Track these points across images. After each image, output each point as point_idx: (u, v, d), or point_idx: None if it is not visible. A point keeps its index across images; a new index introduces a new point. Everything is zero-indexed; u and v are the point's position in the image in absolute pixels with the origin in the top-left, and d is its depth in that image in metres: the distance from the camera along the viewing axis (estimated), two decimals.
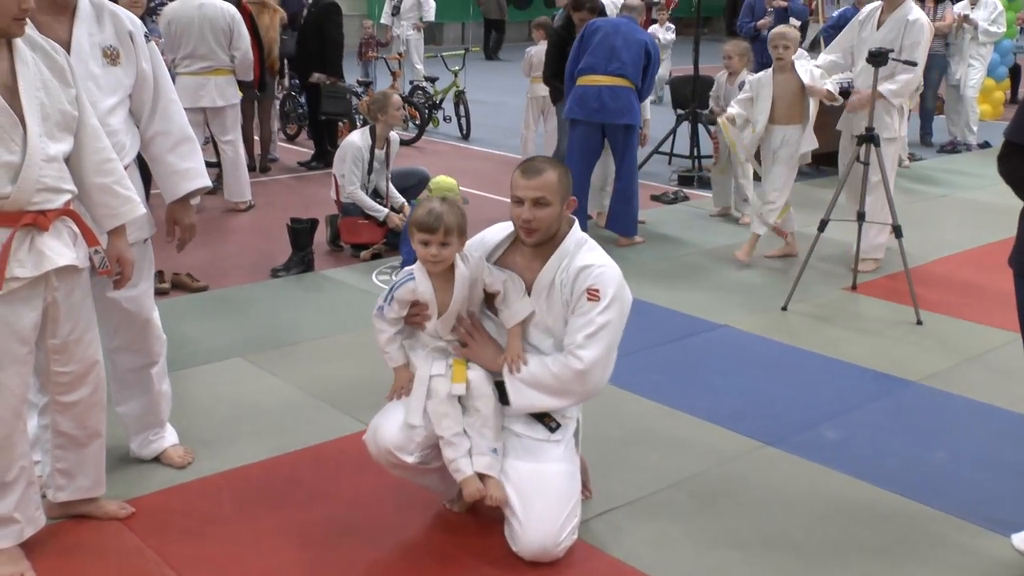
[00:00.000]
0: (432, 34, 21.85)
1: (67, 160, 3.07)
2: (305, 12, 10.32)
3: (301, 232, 6.85)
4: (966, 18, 11.52)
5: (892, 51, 6.20)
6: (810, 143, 6.91)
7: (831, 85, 6.84)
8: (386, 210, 7.25)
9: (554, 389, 3.19)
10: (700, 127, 10.21)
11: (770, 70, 6.97)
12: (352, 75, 12.62)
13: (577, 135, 7.49)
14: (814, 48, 11.05)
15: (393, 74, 13.48)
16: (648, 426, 4.45)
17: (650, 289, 6.47)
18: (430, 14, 14.79)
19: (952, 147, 11.68)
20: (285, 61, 10.84)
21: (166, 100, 3.64)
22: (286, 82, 11.31)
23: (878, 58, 6.02)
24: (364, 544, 3.41)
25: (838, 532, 3.63)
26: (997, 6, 11.66)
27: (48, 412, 3.31)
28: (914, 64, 6.36)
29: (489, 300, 3.36)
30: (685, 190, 9.50)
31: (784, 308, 6.14)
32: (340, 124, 10.24)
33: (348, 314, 5.92)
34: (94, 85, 3.39)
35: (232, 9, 8.28)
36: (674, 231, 8.06)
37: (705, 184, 9.54)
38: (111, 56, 3.45)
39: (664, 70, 14.34)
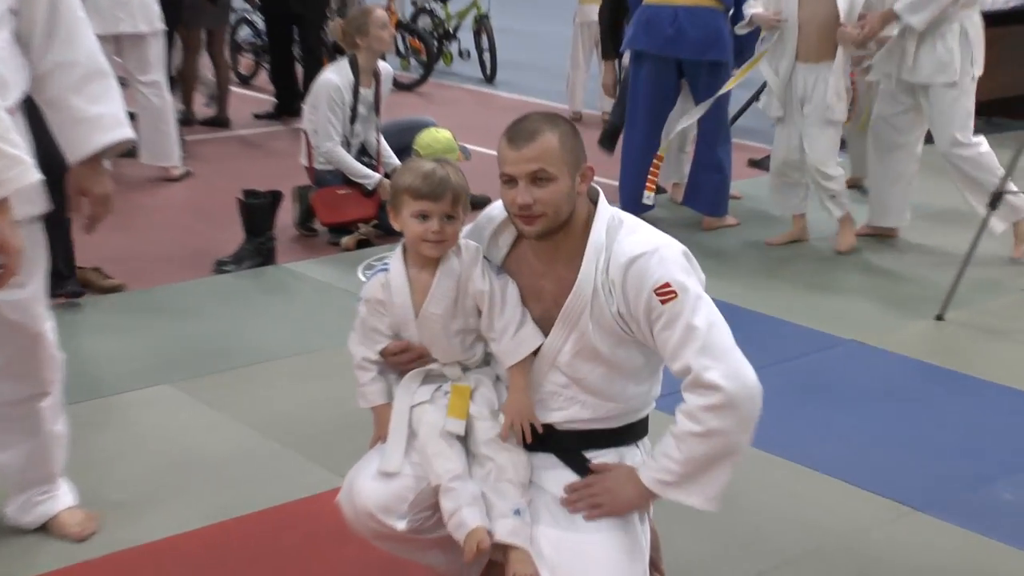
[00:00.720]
0: None
1: None
2: None
3: (258, 210, 6.86)
4: None
5: None
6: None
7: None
8: (377, 175, 7.23)
9: (716, 451, 3.17)
10: None
11: None
12: None
13: (643, 75, 7.49)
14: None
15: None
16: (748, 481, 4.40)
17: (746, 290, 6.48)
18: None
19: None
20: None
21: (70, 18, 3.59)
22: None
23: None
24: None
25: None
26: None
27: None
28: None
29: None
30: None
31: (939, 317, 6.19)
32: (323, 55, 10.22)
33: (322, 325, 5.94)
34: None
35: None
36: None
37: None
38: None
39: None
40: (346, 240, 7.20)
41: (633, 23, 7.47)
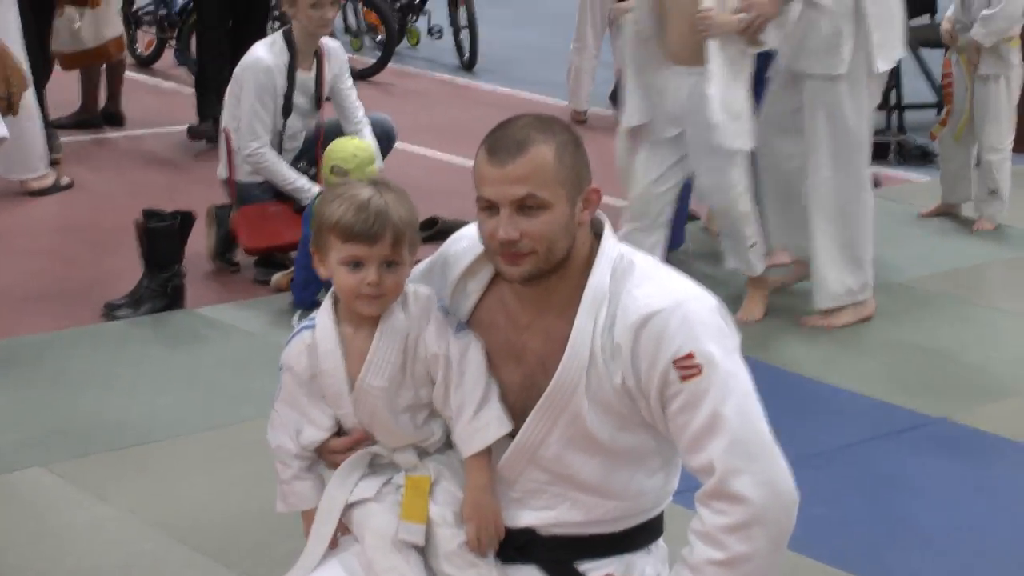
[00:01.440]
0: None
1: None
2: None
3: (162, 236, 6.87)
4: None
5: None
6: None
7: None
8: (316, 188, 7.25)
9: (743, 571, 3.19)
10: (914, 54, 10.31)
11: None
12: None
13: None
14: None
15: None
16: None
17: (805, 349, 6.49)
18: None
19: None
20: None
21: None
22: None
23: None
24: None
25: None
26: None
27: None
28: None
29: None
30: (873, 167, 9.39)
31: None
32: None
33: (245, 390, 5.92)
34: None
35: None
36: None
37: (914, 158, 9.58)
38: None
39: None
40: (277, 277, 7.18)
41: None
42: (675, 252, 7.32)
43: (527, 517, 3.28)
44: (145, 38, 12.12)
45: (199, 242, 7.40)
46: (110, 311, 6.72)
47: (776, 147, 7.01)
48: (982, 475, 5.39)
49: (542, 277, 3.18)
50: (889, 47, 6.79)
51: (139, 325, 6.63)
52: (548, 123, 3.20)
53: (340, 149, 6.91)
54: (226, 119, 7.45)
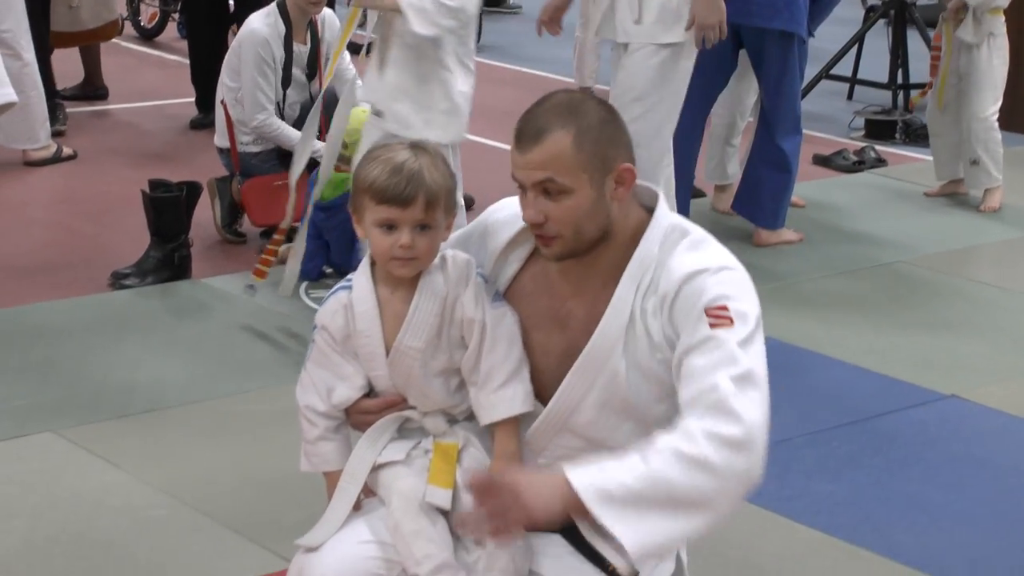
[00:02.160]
0: None
1: None
2: None
3: (168, 207, 6.85)
4: None
5: None
6: None
7: None
8: (319, 142, 7.19)
9: (693, 492, 3.04)
10: (911, 31, 10.31)
11: None
12: None
13: None
14: None
15: None
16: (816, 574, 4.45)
17: (813, 327, 6.50)
18: None
19: None
20: None
21: None
22: None
23: None
24: None
25: None
26: None
27: None
28: None
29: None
30: (878, 146, 9.51)
31: None
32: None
33: (251, 359, 5.95)
34: None
35: None
36: (857, 222, 8.07)
37: (919, 137, 9.55)
38: None
39: None
40: (283, 249, 7.16)
41: None
42: None
43: None
44: (148, 11, 12.09)
45: (204, 213, 7.38)
46: (117, 280, 6.69)
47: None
48: (990, 452, 5.40)
49: (578, 256, 3.20)
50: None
51: (146, 295, 6.62)
52: (575, 107, 3.18)
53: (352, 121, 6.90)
54: (222, 91, 7.39)
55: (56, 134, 8.82)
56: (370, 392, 3.36)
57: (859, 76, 10.73)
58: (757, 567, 4.51)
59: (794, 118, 7.63)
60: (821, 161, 9.27)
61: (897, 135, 9.86)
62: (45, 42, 9.02)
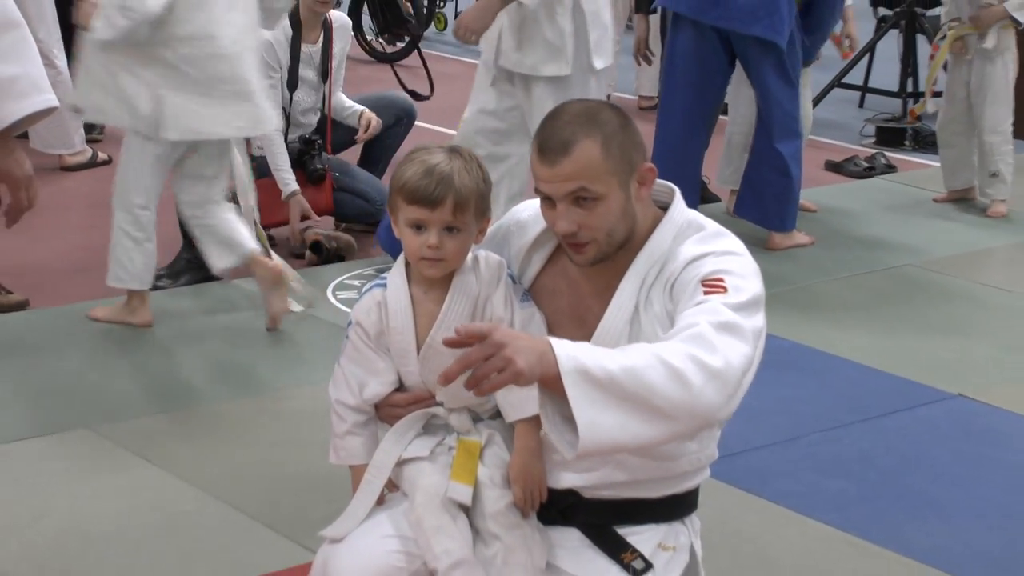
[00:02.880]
0: None
1: None
2: None
3: None
4: None
5: None
6: None
7: None
8: (293, 187, 7.20)
9: (662, 398, 3.00)
10: (921, 41, 10.24)
11: None
12: None
13: (680, 43, 7.48)
14: None
15: None
16: (826, 566, 4.49)
17: (824, 328, 6.49)
18: None
19: None
20: None
21: None
22: None
23: None
24: None
25: None
26: None
27: None
28: None
29: None
30: (889, 152, 9.49)
31: None
32: None
33: (281, 358, 5.95)
34: None
35: None
36: (868, 226, 8.05)
37: (929, 144, 9.50)
38: None
39: None
40: (310, 255, 7.18)
41: None
42: None
43: (571, 479, 3.27)
44: None
45: None
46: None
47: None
48: (998, 450, 5.39)
49: (609, 258, 3.21)
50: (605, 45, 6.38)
51: (178, 295, 6.64)
52: (594, 115, 3.19)
53: None
54: None
55: (93, 141, 8.85)
56: (400, 388, 3.37)
57: (870, 85, 10.74)
58: (770, 561, 4.51)
59: (790, 122, 7.52)
60: (833, 167, 9.27)
61: (907, 142, 9.87)
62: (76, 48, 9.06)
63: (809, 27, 7.58)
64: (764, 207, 7.61)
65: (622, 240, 3.19)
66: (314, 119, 7.46)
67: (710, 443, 3.32)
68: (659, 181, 3.28)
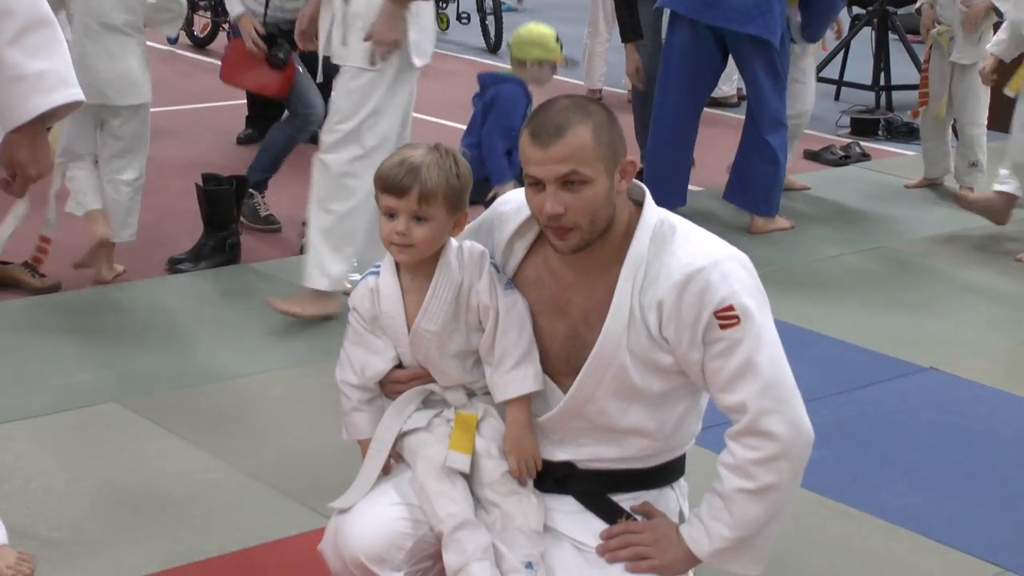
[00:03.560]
0: None
1: None
2: None
3: (220, 199, 6.87)
4: None
5: None
6: None
7: None
8: (239, 8, 7.23)
9: (770, 510, 3.21)
10: (893, 38, 10.35)
11: None
12: None
13: (677, 43, 7.50)
14: None
15: None
16: (807, 533, 4.44)
17: (803, 306, 6.50)
18: None
19: None
20: None
21: None
22: None
23: None
24: None
25: None
26: None
27: None
28: None
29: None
30: (863, 142, 9.52)
31: None
32: None
33: (296, 337, 5.95)
34: None
35: None
36: (844, 211, 8.10)
37: (900, 134, 9.60)
38: None
39: None
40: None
41: None
42: (675, 211, 7.31)
43: (566, 453, 3.33)
44: (201, 21, 12.11)
45: None
46: (173, 265, 6.73)
47: None
48: (965, 420, 5.41)
49: (589, 246, 3.20)
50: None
51: (199, 278, 6.65)
52: (584, 104, 3.22)
53: (517, 32, 6.54)
54: None
55: None
56: (400, 365, 3.40)
57: (845, 78, 10.81)
58: None
59: (778, 114, 7.57)
60: (811, 156, 9.28)
61: (880, 132, 9.94)
62: None
63: (817, 11, 7.70)
64: (752, 193, 7.65)
65: (602, 228, 3.18)
66: (294, 5, 7.16)
67: (697, 421, 3.39)
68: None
